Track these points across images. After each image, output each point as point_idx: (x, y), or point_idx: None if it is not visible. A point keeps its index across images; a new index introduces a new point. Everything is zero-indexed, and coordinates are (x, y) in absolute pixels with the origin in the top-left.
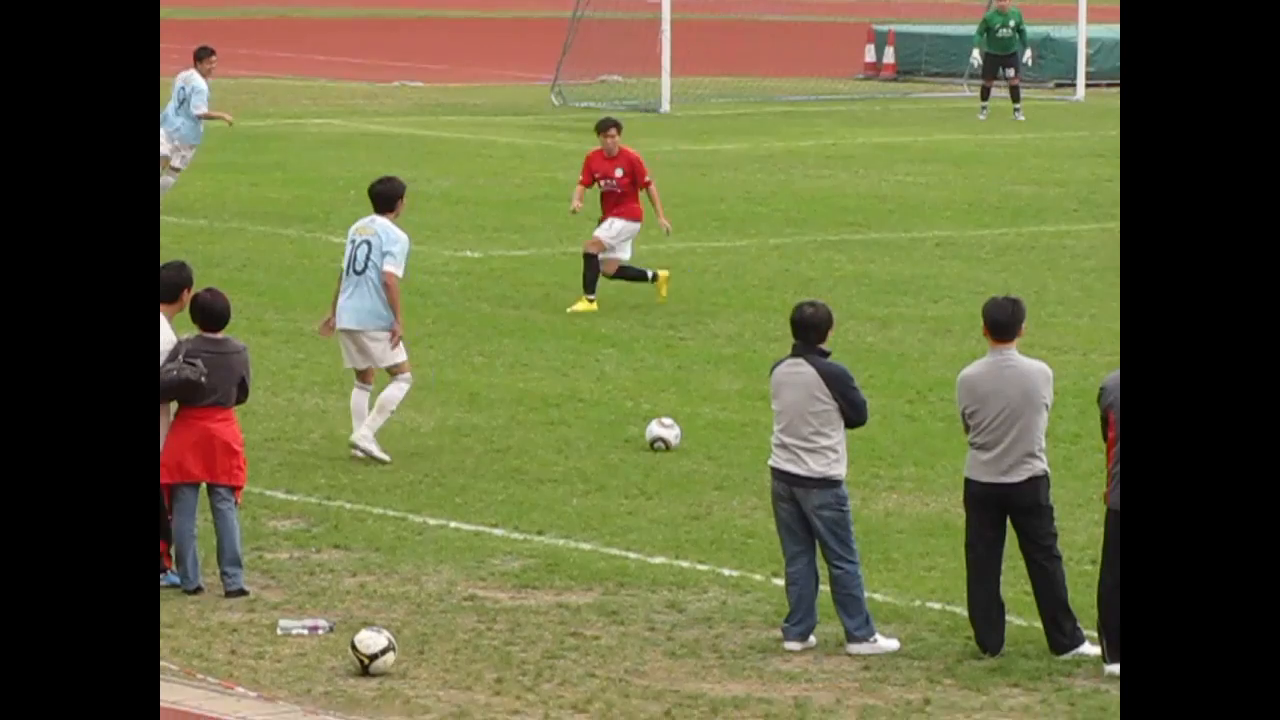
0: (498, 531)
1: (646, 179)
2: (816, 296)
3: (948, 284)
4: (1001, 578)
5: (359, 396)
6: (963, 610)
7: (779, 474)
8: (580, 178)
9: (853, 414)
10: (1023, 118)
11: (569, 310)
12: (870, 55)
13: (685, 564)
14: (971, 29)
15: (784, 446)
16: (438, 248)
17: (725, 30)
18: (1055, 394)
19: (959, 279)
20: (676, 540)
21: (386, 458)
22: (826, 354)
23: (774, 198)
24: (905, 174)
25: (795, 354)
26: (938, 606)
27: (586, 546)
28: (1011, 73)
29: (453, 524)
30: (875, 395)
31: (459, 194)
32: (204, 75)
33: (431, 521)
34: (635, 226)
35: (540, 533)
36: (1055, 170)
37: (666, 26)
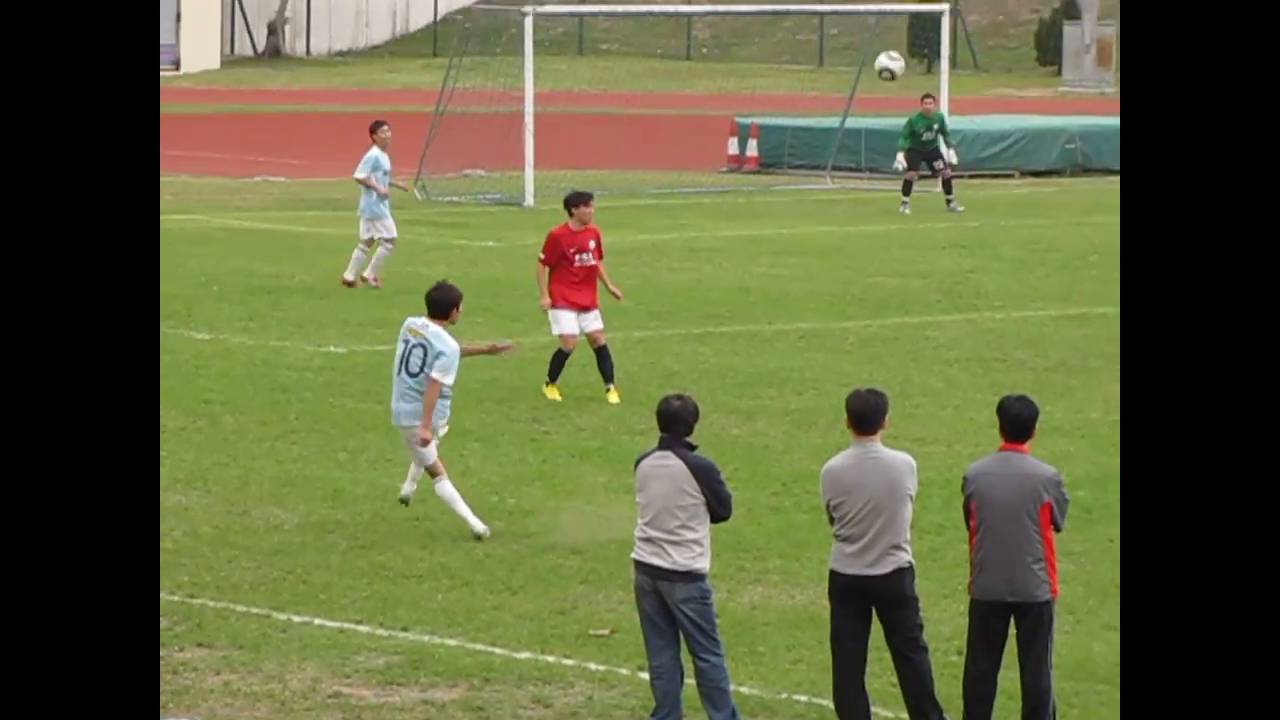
0: (362, 628)
1: (602, 252)
2: (682, 389)
3: (812, 376)
4: (868, 669)
5: (444, 487)
6: (829, 702)
7: (643, 567)
8: (543, 258)
9: (719, 508)
10: (960, 208)
11: (550, 398)
12: (734, 148)
13: (551, 659)
14: (833, 121)
15: (649, 540)
16: (301, 343)
17: (589, 124)
18: (920, 485)
19: (823, 371)
20: (542, 635)
21: (485, 528)
22: (693, 447)
23: (638, 291)
24: (769, 266)
25: (662, 447)
26: (804, 699)
27: (452, 642)
28: (940, 164)
29: (317, 621)
30: (740, 488)
31: (323, 289)
32: (380, 146)
33: (295, 619)
34: None
35: (405, 629)
36: (919, 262)
37: (530, 120)
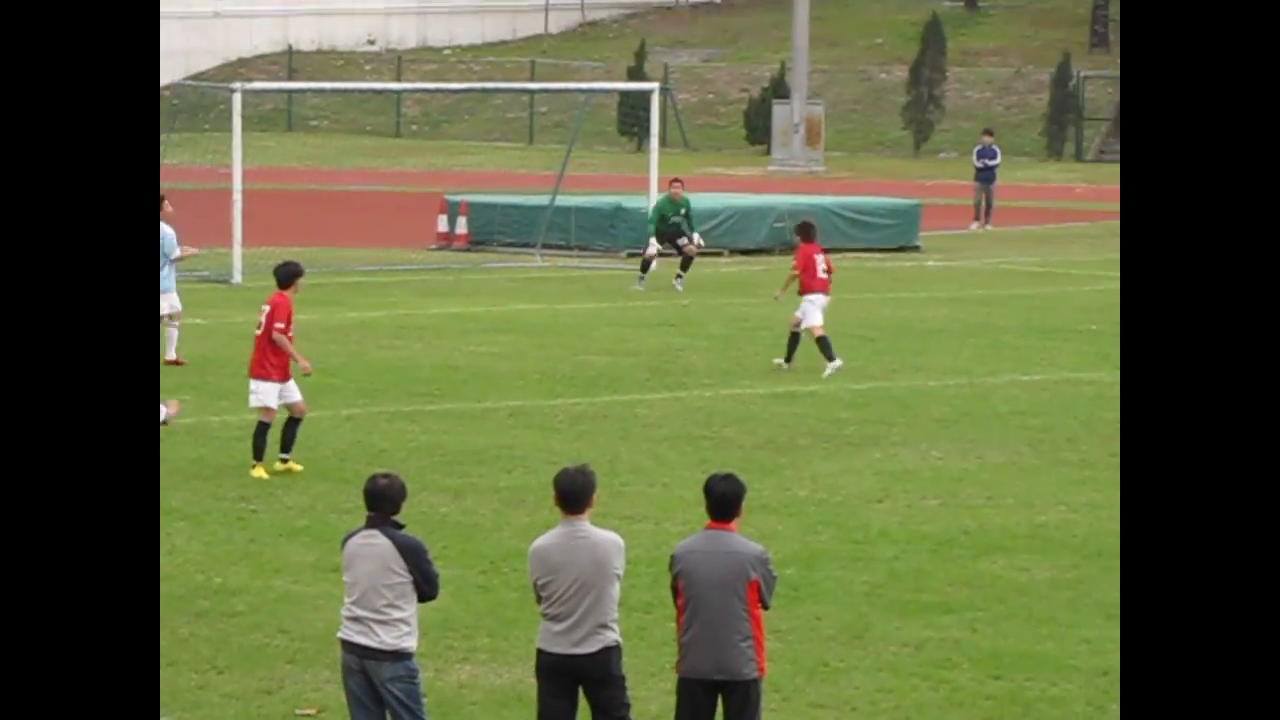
0: None
1: None
2: (390, 467)
3: (521, 454)
4: None
5: None
6: None
7: (350, 646)
8: (283, 326)
9: (426, 587)
10: (681, 288)
11: (257, 477)
12: (443, 225)
13: None
14: (543, 199)
15: (356, 619)
16: None
17: (297, 201)
18: (628, 563)
19: (532, 449)
20: (248, 715)
21: None
22: (401, 526)
23: (346, 369)
24: (479, 344)
25: (369, 525)
26: None
27: None
28: (684, 241)
29: None
30: (448, 566)
31: None
32: (166, 221)
33: None
34: None
35: None
36: (628, 339)
37: (238, 197)
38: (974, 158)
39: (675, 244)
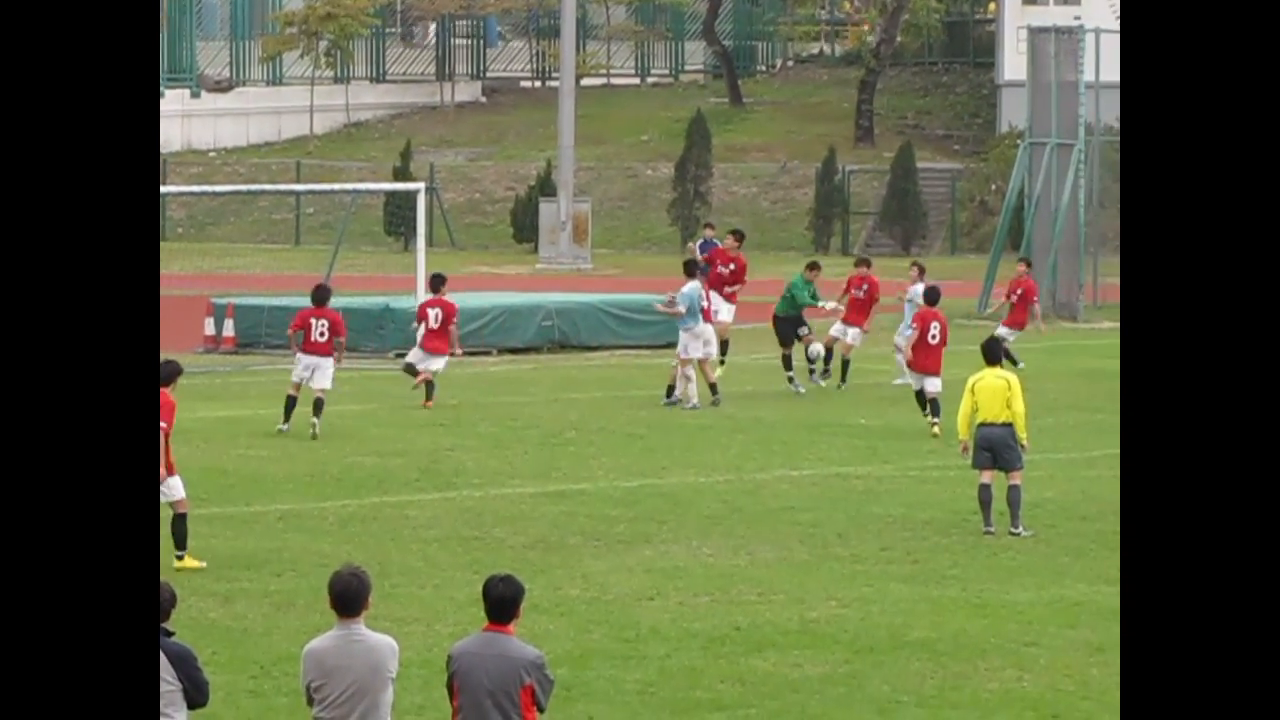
0: None
1: None
2: (160, 575)
3: (291, 557)
4: None
5: None
6: None
7: None
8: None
9: (196, 694)
10: (813, 383)
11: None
12: (210, 328)
13: None
14: (309, 300)
15: None
16: None
17: None
18: (400, 665)
19: (303, 552)
20: None
21: None
22: (170, 633)
23: None
24: (247, 447)
25: None
26: None
27: None
28: (805, 331)
29: None
30: (219, 673)
31: None
32: None
33: None
34: None
35: None
36: (397, 440)
37: None
38: (697, 250)
39: (796, 334)
